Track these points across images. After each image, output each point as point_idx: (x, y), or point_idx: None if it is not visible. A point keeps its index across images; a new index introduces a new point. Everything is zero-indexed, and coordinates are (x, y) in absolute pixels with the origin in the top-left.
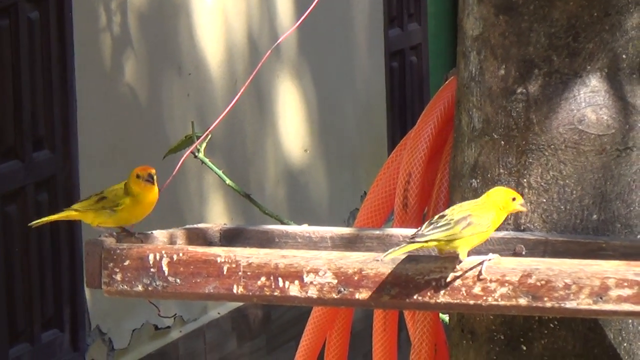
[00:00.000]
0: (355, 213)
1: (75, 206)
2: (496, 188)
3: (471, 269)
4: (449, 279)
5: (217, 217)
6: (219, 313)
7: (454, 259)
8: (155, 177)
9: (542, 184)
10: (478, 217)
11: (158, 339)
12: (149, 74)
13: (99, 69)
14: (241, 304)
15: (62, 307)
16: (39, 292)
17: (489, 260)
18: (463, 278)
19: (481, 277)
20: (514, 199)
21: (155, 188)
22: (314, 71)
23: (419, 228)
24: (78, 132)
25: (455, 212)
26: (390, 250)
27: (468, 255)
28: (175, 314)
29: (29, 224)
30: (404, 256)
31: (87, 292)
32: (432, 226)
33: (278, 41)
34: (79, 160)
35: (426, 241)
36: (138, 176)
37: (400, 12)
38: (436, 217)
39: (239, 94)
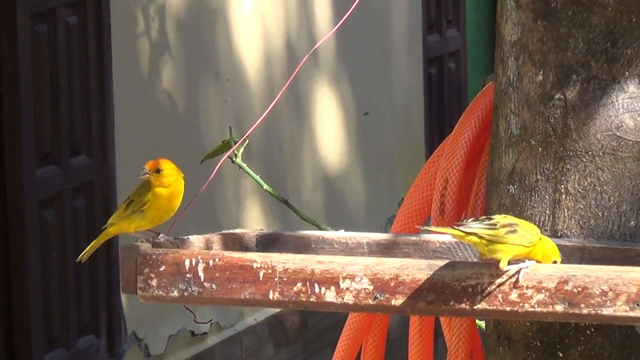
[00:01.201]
0: (393, 220)
1: (110, 220)
2: (553, 242)
3: (508, 275)
4: (485, 286)
5: (254, 223)
6: (255, 319)
7: (490, 265)
8: (154, 170)
9: (579, 190)
10: (524, 231)
11: (194, 345)
12: (187, 79)
13: (137, 75)
14: (278, 310)
15: (98, 312)
16: (75, 298)
17: (526, 267)
18: (500, 285)
19: (518, 284)
20: (554, 262)
21: (175, 178)
22: (351, 77)
23: (463, 220)
24: (115, 137)
25: (503, 218)
26: (427, 226)
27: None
28: (212, 320)
29: (78, 260)
30: (440, 262)
31: (124, 297)
32: (478, 222)
33: (315, 46)
34: (116, 166)
35: (468, 232)
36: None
37: (439, 18)
38: (483, 217)
39: (277, 99)
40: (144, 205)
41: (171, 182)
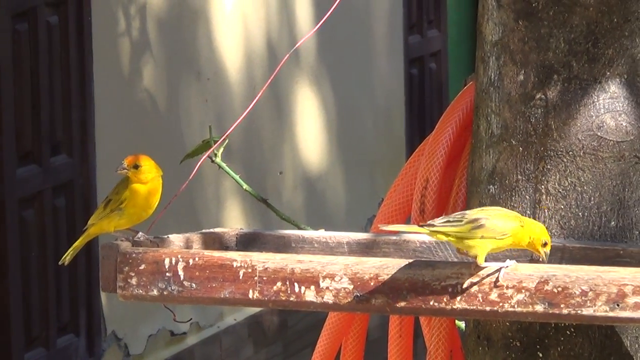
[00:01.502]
0: (373, 220)
1: (90, 220)
2: (539, 223)
3: (488, 275)
4: (465, 285)
5: (234, 223)
6: (235, 319)
7: (470, 265)
8: (131, 166)
9: (560, 190)
10: (494, 224)
11: (174, 344)
12: (168, 79)
13: (118, 74)
14: (257, 310)
15: (78, 312)
16: (55, 297)
17: (506, 267)
18: (480, 284)
19: (498, 283)
20: (544, 244)
21: (152, 175)
22: (332, 77)
23: (435, 220)
24: (96, 136)
25: (476, 212)
26: (396, 226)
27: (485, 261)
28: (191, 319)
29: (60, 262)
30: (423, 262)
31: (103, 297)
32: (445, 220)
33: (296, 45)
34: (96, 165)
35: (433, 231)
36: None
37: (420, 19)
38: (457, 213)
39: (257, 98)
40: (121, 203)
41: (149, 178)
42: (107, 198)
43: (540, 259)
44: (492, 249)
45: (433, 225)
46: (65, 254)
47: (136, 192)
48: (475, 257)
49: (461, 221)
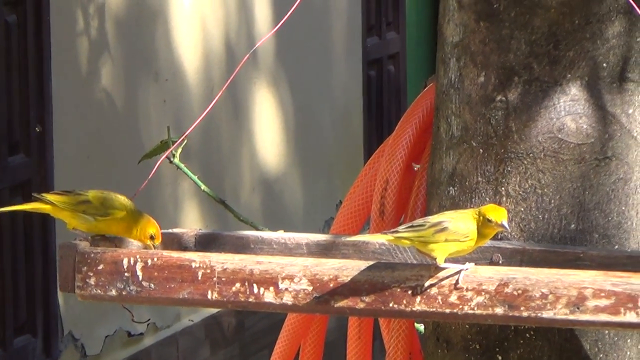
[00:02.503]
0: (331, 222)
1: (49, 198)
2: (484, 208)
3: (448, 277)
4: (425, 286)
5: (192, 224)
6: (191, 320)
7: (430, 267)
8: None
9: (520, 192)
10: (455, 225)
11: (131, 345)
12: (126, 79)
13: (76, 74)
14: (215, 311)
15: (35, 312)
16: (12, 297)
17: (466, 269)
18: (439, 286)
19: (458, 286)
20: (489, 220)
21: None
22: (290, 79)
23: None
24: (54, 136)
25: (436, 217)
26: (359, 236)
27: (446, 263)
28: (149, 320)
29: None
30: (383, 264)
31: (60, 297)
32: (409, 226)
33: (255, 46)
34: (54, 165)
35: (397, 237)
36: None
37: (379, 21)
38: (420, 219)
39: (216, 99)
40: (100, 215)
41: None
42: (86, 195)
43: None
44: (456, 252)
45: (397, 232)
46: (5, 208)
47: (119, 225)
48: (436, 259)
49: (424, 225)
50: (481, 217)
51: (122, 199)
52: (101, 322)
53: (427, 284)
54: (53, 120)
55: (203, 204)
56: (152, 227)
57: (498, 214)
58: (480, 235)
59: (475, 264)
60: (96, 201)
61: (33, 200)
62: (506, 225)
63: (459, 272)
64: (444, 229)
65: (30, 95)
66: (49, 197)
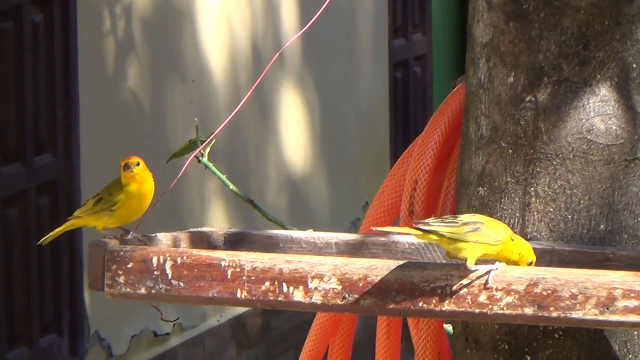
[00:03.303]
0: (357, 223)
1: (76, 213)
2: (526, 243)
3: (478, 277)
4: (455, 287)
5: (218, 223)
6: (218, 321)
7: (459, 267)
8: (135, 164)
9: (549, 193)
10: (488, 229)
11: (157, 345)
12: (152, 79)
13: (103, 74)
14: (241, 311)
15: (61, 311)
16: (38, 296)
17: (496, 269)
18: (469, 286)
19: (487, 285)
20: (530, 263)
21: (147, 178)
22: (317, 80)
23: (428, 219)
24: (80, 136)
25: (469, 217)
26: (388, 227)
27: (475, 265)
28: (178, 319)
29: (39, 243)
30: (412, 264)
31: (87, 296)
32: (440, 220)
33: (283, 47)
34: (80, 165)
35: (427, 230)
36: (122, 167)
37: (405, 23)
38: (450, 215)
39: (244, 100)
40: (113, 205)
41: (144, 176)
42: (98, 195)
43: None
44: (482, 255)
45: (427, 224)
46: (46, 237)
47: (131, 195)
48: (465, 260)
49: (456, 223)
50: (521, 253)
51: (120, 177)
52: (127, 322)
53: (456, 283)
54: (80, 120)
55: (230, 204)
56: (122, 161)
57: (530, 253)
58: (508, 253)
59: (505, 264)
60: (105, 194)
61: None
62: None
63: (488, 272)
64: (476, 229)
65: (57, 95)
66: (76, 213)
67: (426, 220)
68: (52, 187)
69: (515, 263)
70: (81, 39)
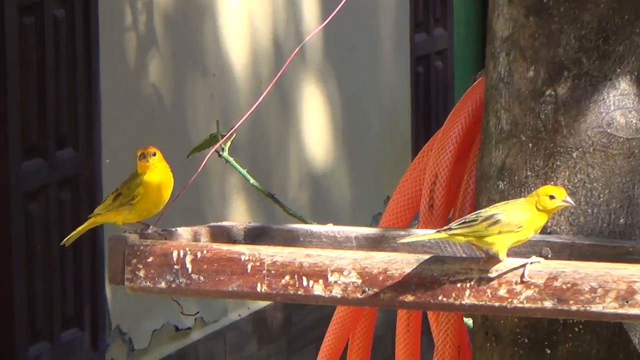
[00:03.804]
0: (378, 218)
1: (96, 210)
2: (541, 188)
3: (513, 269)
4: (474, 281)
5: (239, 218)
6: (239, 315)
7: (479, 260)
8: (150, 154)
9: (569, 187)
10: (508, 217)
11: (178, 340)
12: (174, 74)
13: (124, 69)
14: (261, 306)
15: (82, 306)
16: (60, 291)
17: (531, 262)
18: (489, 277)
19: (524, 279)
20: (552, 197)
21: (164, 170)
22: (338, 75)
23: (451, 223)
24: (102, 131)
25: (488, 210)
26: (413, 236)
27: (507, 257)
28: (197, 314)
29: (62, 243)
30: (428, 256)
31: (108, 291)
32: (461, 222)
33: (304, 41)
34: (102, 159)
35: (451, 234)
36: (138, 157)
37: (427, 17)
38: (472, 214)
39: (264, 94)
40: (133, 199)
41: (162, 167)
42: (117, 191)
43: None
44: (512, 243)
45: (450, 229)
46: (68, 236)
47: (150, 187)
48: (497, 253)
49: (476, 220)
50: (541, 198)
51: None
52: (149, 316)
53: (476, 277)
54: (101, 115)
55: (251, 198)
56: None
57: (559, 192)
58: (539, 217)
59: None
60: (124, 189)
61: (86, 220)
62: (570, 201)
63: (524, 266)
64: (496, 222)
65: (79, 90)
66: (96, 210)
67: (449, 226)
68: (73, 182)
69: (551, 214)
70: (102, 34)
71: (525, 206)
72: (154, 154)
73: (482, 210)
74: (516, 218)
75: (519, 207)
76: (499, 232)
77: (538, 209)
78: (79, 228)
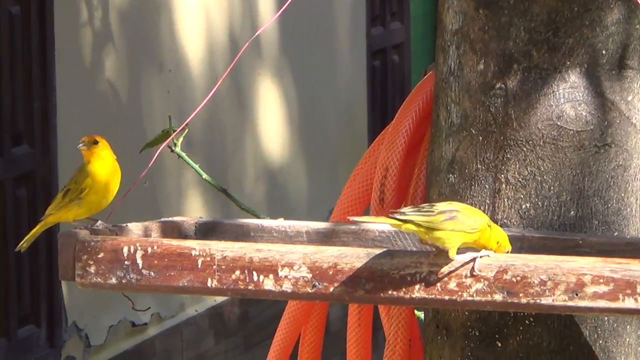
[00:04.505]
0: None
1: (48, 211)
2: (503, 231)
3: (463, 265)
4: (424, 275)
5: (196, 213)
6: (196, 310)
7: (429, 254)
8: (91, 142)
9: (519, 179)
10: (465, 217)
11: (135, 335)
12: (130, 70)
13: (80, 65)
14: (218, 301)
15: (39, 303)
16: (16, 288)
17: (480, 256)
18: (439, 273)
19: (474, 273)
20: (507, 252)
21: (109, 159)
22: (295, 69)
23: (403, 208)
24: (58, 127)
25: (445, 205)
26: (365, 217)
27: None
28: (149, 308)
29: (17, 249)
30: (379, 250)
31: (64, 288)
32: (416, 209)
33: (256, 33)
34: (58, 156)
35: (404, 220)
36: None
37: (383, 11)
38: (425, 204)
39: (215, 88)
40: (81, 192)
41: (107, 156)
42: (65, 188)
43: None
44: (461, 243)
45: (404, 214)
46: (22, 241)
47: (96, 176)
48: (443, 248)
49: (432, 212)
50: (499, 242)
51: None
52: (105, 312)
53: (426, 271)
54: (57, 111)
55: (207, 194)
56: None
57: (506, 242)
58: (485, 241)
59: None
60: (72, 184)
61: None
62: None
63: (473, 260)
64: (452, 218)
65: (34, 87)
66: (47, 211)
67: (402, 210)
68: (29, 179)
69: (493, 251)
70: (58, 30)
71: (481, 214)
72: (96, 142)
73: (437, 203)
74: (472, 220)
75: (476, 213)
76: (452, 229)
77: (494, 245)
78: (33, 231)
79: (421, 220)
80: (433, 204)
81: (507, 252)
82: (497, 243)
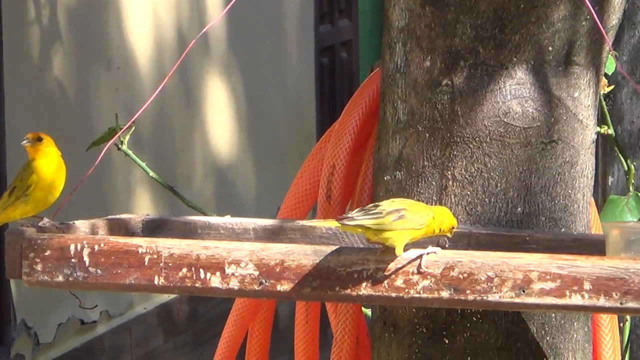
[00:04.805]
0: None
1: None
2: (443, 209)
3: (410, 262)
4: (371, 272)
5: (144, 211)
6: (145, 308)
7: (375, 251)
8: (35, 139)
9: (466, 176)
10: (412, 214)
11: (84, 333)
12: (78, 67)
13: (27, 62)
14: (167, 299)
15: None
16: None
17: (427, 253)
18: (386, 270)
19: (421, 270)
20: (452, 228)
21: (54, 155)
22: (243, 66)
23: (350, 212)
24: (5, 125)
25: (390, 204)
26: (314, 221)
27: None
28: (97, 306)
29: None
30: (326, 247)
31: (13, 285)
32: (363, 212)
33: (204, 30)
34: (6, 154)
35: (354, 225)
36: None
37: (331, 8)
38: (370, 205)
39: (162, 84)
40: (27, 189)
41: (51, 152)
42: (11, 186)
43: (446, 242)
44: (409, 240)
45: (352, 219)
46: None
47: (41, 172)
48: (391, 246)
49: (380, 213)
50: (442, 227)
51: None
52: (54, 310)
53: (373, 268)
54: (5, 109)
55: (155, 191)
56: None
57: (449, 219)
58: (430, 231)
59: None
60: (17, 182)
61: None
62: (449, 235)
63: (420, 257)
64: (401, 217)
65: None
66: None
67: (350, 215)
68: None
69: (440, 233)
70: (5, 28)
71: (425, 207)
72: (40, 139)
73: (381, 203)
74: (420, 216)
75: (421, 207)
76: (402, 228)
77: (437, 231)
78: None
79: (371, 223)
80: (378, 203)
81: (453, 228)
82: (440, 229)
